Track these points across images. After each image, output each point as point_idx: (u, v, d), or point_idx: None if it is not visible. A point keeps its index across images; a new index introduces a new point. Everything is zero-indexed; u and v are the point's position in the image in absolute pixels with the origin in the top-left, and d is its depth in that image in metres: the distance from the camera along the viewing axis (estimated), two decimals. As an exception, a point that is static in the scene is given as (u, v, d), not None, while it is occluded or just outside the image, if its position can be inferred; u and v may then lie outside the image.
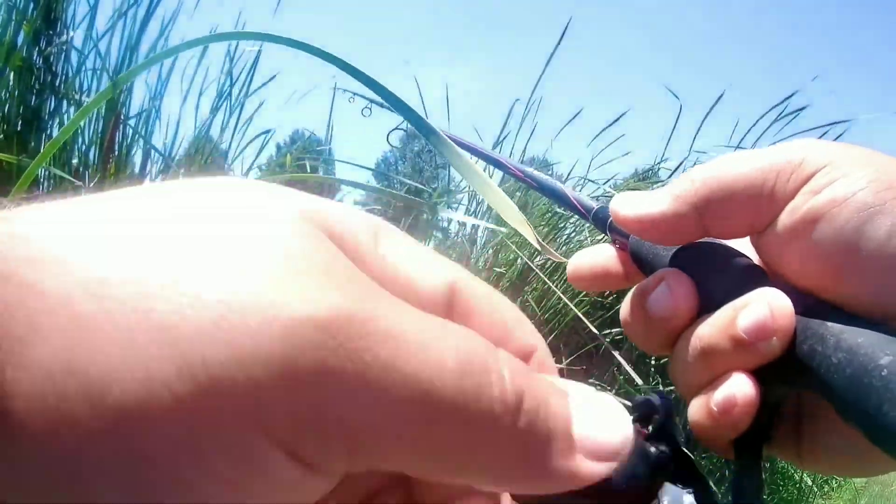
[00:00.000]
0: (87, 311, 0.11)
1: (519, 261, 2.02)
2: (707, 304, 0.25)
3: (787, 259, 0.24)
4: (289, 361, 0.11)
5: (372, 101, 0.65)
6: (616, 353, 1.41)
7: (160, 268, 0.12)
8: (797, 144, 0.25)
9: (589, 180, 2.24)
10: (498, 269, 1.99)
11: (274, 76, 1.80)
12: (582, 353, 1.95)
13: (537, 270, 1.83)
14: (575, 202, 0.34)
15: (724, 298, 0.24)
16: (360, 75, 0.51)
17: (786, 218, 0.24)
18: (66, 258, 0.12)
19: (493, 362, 0.14)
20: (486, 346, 0.15)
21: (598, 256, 0.32)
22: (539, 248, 0.37)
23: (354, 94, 0.70)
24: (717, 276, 0.26)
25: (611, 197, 0.27)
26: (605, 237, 0.32)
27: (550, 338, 1.91)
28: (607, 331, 2.01)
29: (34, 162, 0.81)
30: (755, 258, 0.27)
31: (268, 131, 1.78)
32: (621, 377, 1.99)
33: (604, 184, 2.23)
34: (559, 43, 1.93)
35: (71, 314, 0.11)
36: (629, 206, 0.27)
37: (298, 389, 0.12)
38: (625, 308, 0.28)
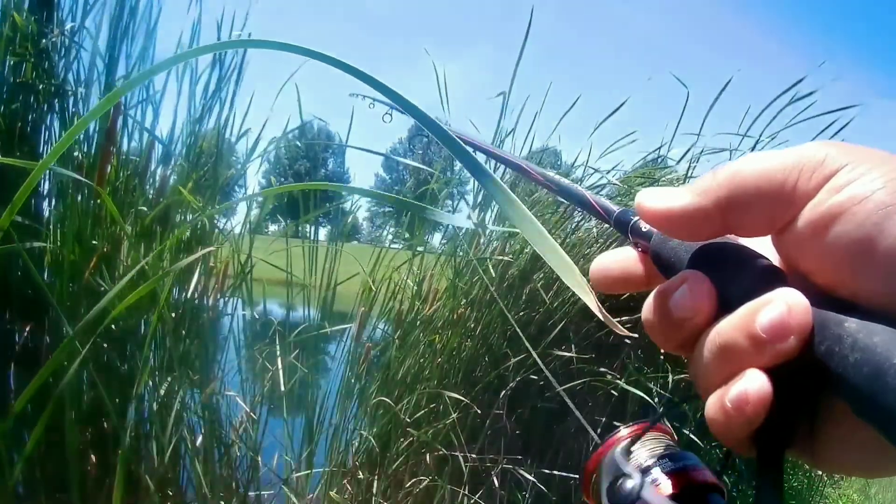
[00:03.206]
0: None
1: (527, 249, 2.00)
2: (726, 304, 0.26)
3: (807, 256, 0.25)
4: None
5: (392, 106, 0.66)
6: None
7: None
8: (819, 144, 0.25)
9: (594, 169, 2.22)
10: (506, 258, 1.97)
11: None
12: (591, 342, 1.94)
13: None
14: (596, 206, 0.35)
15: (743, 298, 0.25)
16: (380, 86, 0.50)
17: (807, 215, 0.24)
18: None
19: None
20: None
21: (620, 259, 0.33)
22: (602, 319, 0.36)
23: (375, 100, 0.71)
24: (736, 277, 0.26)
25: (619, 186, 0.27)
26: (627, 241, 0.33)
27: (560, 326, 1.90)
28: (617, 319, 1.99)
29: (38, 167, 0.79)
30: (775, 258, 0.27)
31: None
32: (631, 365, 1.98)
33: (607, 172, 2.21)
34: (527, 32, 1.88)
35: None
36: (654, 199, 0.28)
37: None
38: (646, 309, 0.29)
